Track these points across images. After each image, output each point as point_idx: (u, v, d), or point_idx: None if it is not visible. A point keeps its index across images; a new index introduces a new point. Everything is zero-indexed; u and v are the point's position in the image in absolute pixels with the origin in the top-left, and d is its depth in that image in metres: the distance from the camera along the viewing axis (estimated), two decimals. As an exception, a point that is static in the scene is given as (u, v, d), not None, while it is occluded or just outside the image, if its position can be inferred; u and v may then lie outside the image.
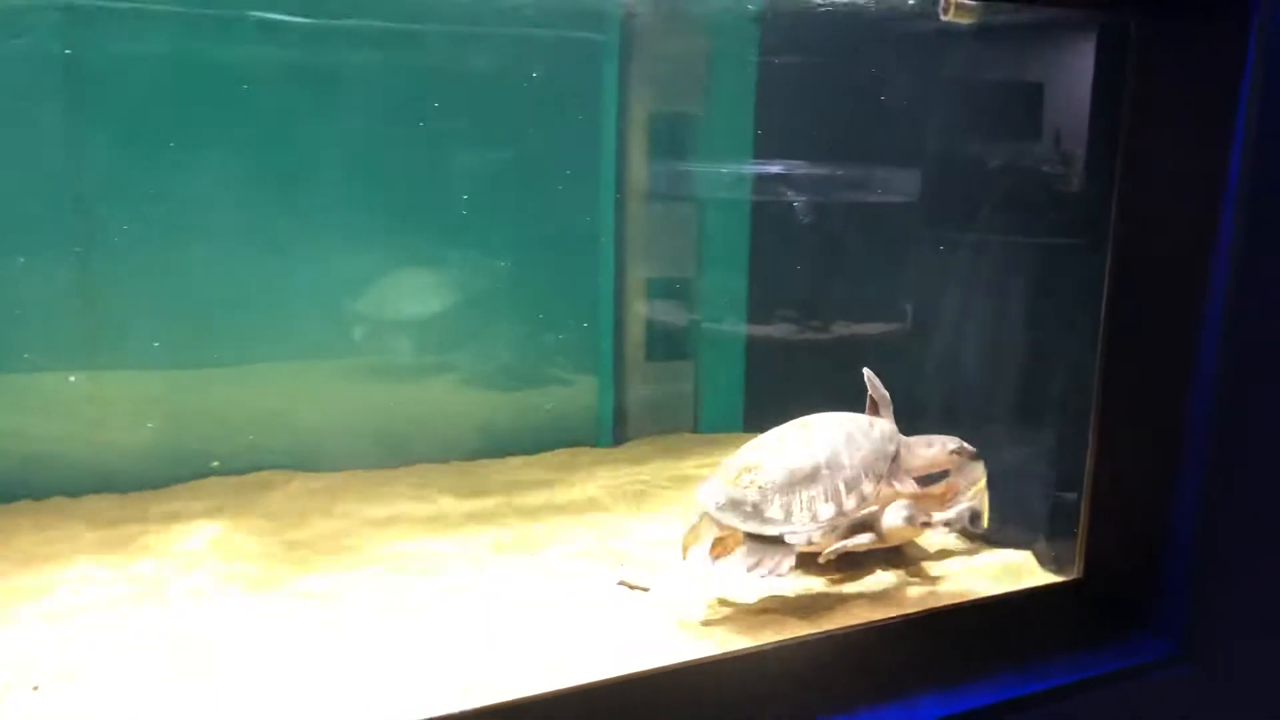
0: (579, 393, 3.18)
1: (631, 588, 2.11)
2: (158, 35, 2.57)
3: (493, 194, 2.96)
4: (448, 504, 2.66)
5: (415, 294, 2.98)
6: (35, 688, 1.67)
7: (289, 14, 2.67)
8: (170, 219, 2.61)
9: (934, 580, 2.17)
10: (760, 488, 1.91)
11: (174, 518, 2.45)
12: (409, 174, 2.85)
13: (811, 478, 1.94)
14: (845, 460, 1.98)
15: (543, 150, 3.00)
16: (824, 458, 1.96)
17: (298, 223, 2.73)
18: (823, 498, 1.93)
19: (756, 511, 1.89)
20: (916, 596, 2.11)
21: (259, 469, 2.75)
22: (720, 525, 1.93)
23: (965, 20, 2.26)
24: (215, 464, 2.69)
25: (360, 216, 2.81)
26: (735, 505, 1.89)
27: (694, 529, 1.98)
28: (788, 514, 1.90)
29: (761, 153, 3.18)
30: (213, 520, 2.43)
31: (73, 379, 2.59)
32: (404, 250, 2.90)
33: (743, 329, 3.30)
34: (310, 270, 2.77)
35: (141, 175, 2.57)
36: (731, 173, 3.25)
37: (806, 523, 1.91)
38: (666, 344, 3.27)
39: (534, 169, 3.00)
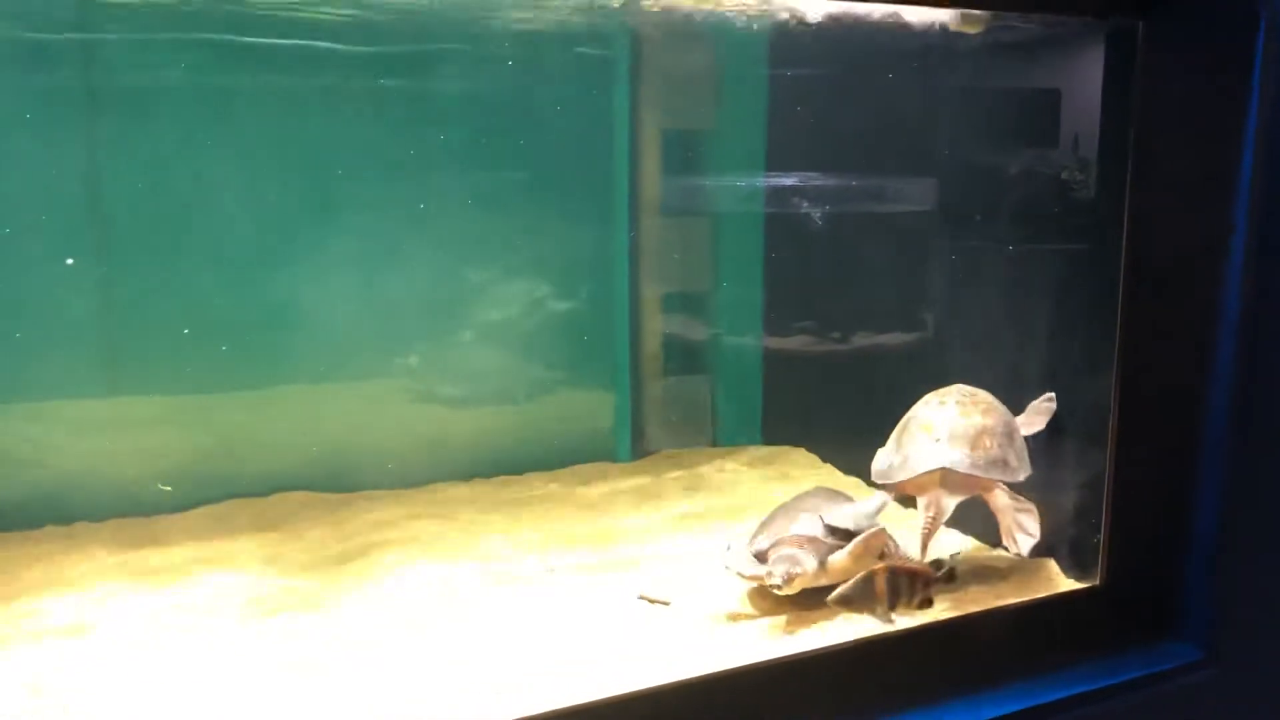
0: (597, 408, 3.19)
1: (652, 601, 2.12)
2: (181, 55, 2.61)
3: (508, 214, 2.98)
4: (468, 521, 2.67)
5: (432, 314, 3.00)
6: (65, 708, 1.69)
7: (308, 39, 2.72)
8: (193, 241, 2.64)
9: (956, 588, 2.16)
10: (1000, 445, 2.13)
11: (196, 539, 2.47)
12: (424, 196, 2.87)
13: (1014, 431, 2.20)
14: (1013, 419, 2.23)
15: (556, 169, 3.02)
16: (1009, 417, 2.21)
17: (318, 245, 2.76)
18: (1025, 449, 2.18)
19: (1007, 464, 2.13)
20: (939, 604, 2.10)
21: (280, 490, 2.76)
22: (956, 487, 2.10)
23: (972, 30, 2.27)
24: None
25: (377, 238, 2.83)
26: (992, 463, 2.10)
27: (933, 505, 2.10)
28: (1020, 462, 2.15)
29: (774, 165, 3.19)
30: (236, 541, 2.45)
31: (94, 403, 2.63)
32: (419, 271, 2.92)
33: (759, 341, 3.30)
34: (330, 292, 2.79)
35: (164, 197, 2.61)
36: (744, 186, 3.27)
37: (1028, 468, 2.16)
38: (683, 358, 3.28)
39: (548, 188, 3.02)
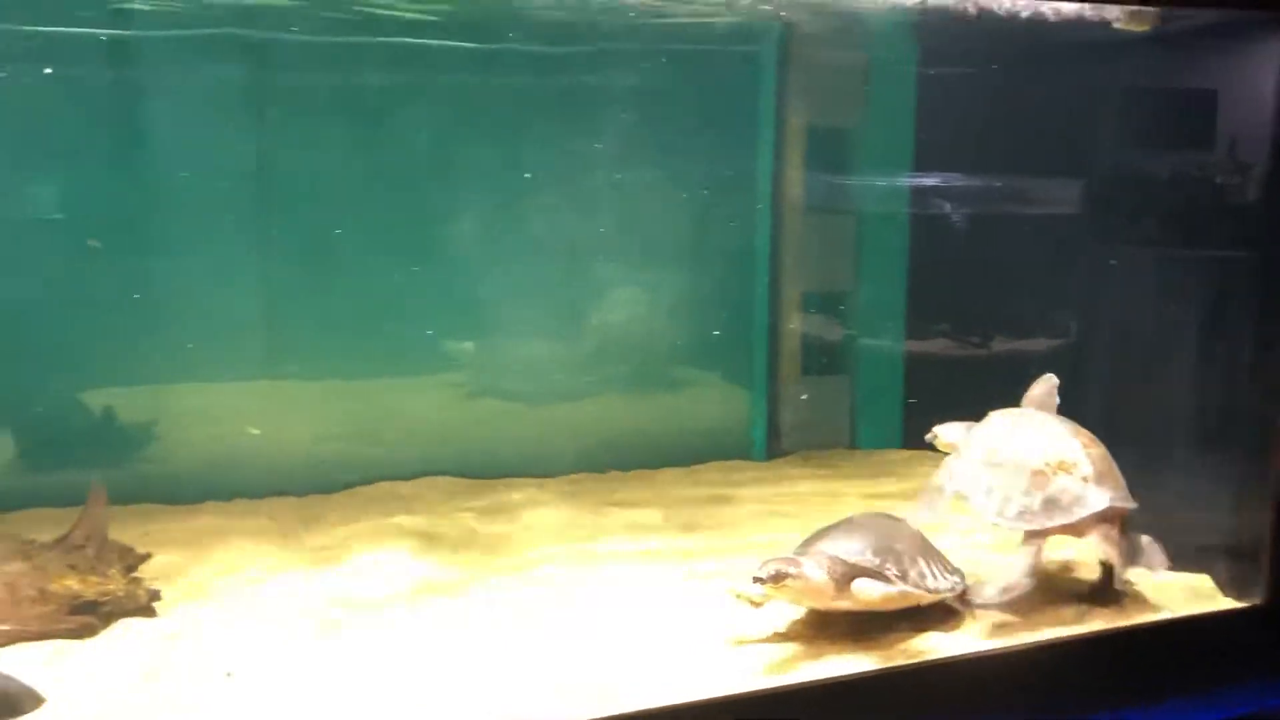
0: (733, 406, 3.20)
1: (745, 600, 2.00)
2: (351, 55, 2.72)
3: (648, 209, 3.00)
4: (601, 512, 2.70)
5: (573, 308, 3.05)
6: (229, 674, 1.77)
7: (464, 40, 2.81)
8: (354, 232, 2.75)
9: (1108, 601, 2.10)
10: (1119, 471, 2.05)
11: (346, 520, 2.56)
12: (568, 192, 2.92)
13: None
14: None
15: (698, 164, 3.03)
16: None
17: (469, 238, 2.84)
18: None
19: (1128, 490, 2.04)
20: (1089, 616, 2.04)
21: (425, 474, 2.85)
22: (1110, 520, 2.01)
23: (1139, 27, 2.21)
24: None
25: (522, 232, 2.89)
26: (1128, 491, 2.03)
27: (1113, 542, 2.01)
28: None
29: (921, 164, 3.14)
30: (382, 523, 2.53)
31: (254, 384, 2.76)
32: (561, 266, 2.98)
33: (901, 344, 3.26)
34: (476, 285, 2.87)
35: (327, 189, 2.73)
36: (890, 185, 3.22)
37: None
38: (822, 358, 3.26)
39: (689, 183, 3.04)
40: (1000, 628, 1.97)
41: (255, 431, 2.74)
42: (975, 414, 2.21)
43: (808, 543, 1.99)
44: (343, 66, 2.71)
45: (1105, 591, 2.07)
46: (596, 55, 2.93)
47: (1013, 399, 2.24)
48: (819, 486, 2.96)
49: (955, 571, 2.03)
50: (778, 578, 1.83)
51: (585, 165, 2.93)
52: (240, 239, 2.71)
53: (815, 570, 1.86)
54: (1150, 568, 2.08)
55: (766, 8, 2.89)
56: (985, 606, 2.00)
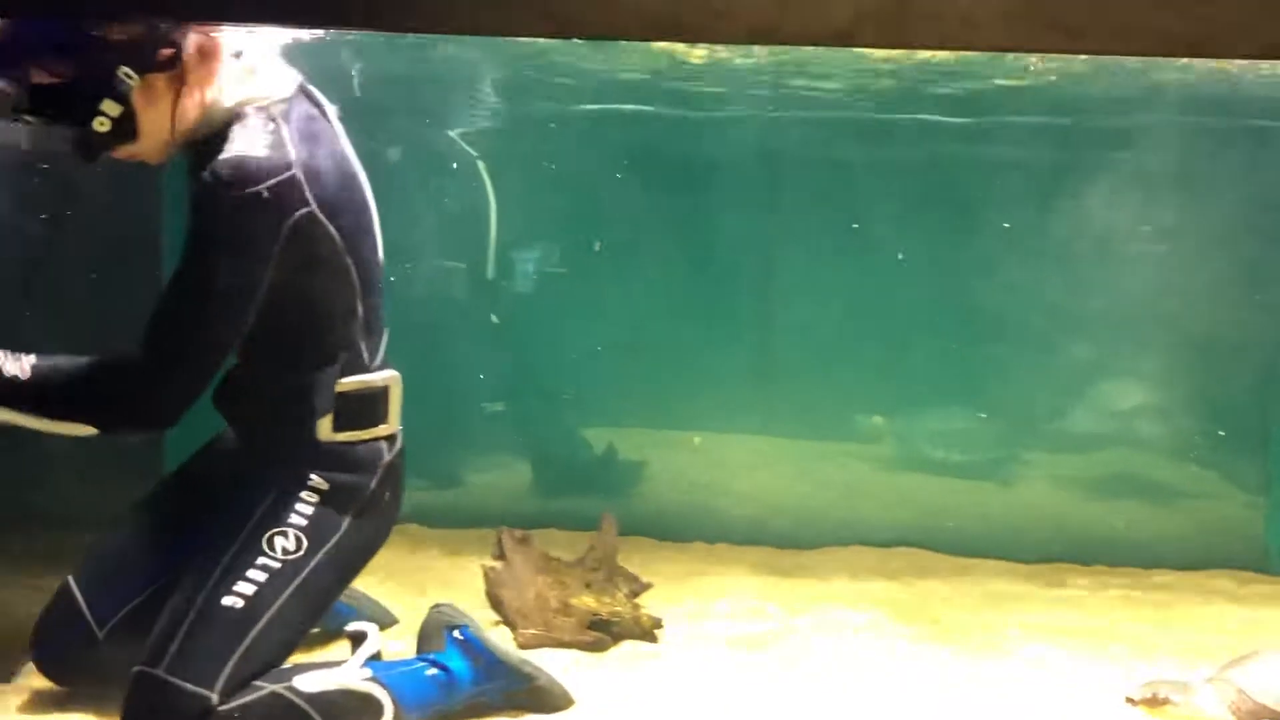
0: (1243, 510, 2.90)
1: (1139, 704, 1.74)
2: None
3: (1148, 289, 2.82)
4: (1082, 609, 2.55)
5: (1062, 391, 2.93)
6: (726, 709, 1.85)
7: (947, 115, 2.83)
8: (848, 305, 2.86)
9: None
10: None
11: (823, 578, 2.62)
12: (1072, 261, 2.83)
13: None
14: None
15: (1214, 242, 2.80)
16: None
17: (967, 316, 2.86)
18: None
19: None
20: None
21: (901, 544, 2.84)
22: None
23: None
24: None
25: (1020, 313, 2.85)
26: None
27: None
28: None
29: None
30: (857, 587, 2.56)
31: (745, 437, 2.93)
32: (1051, 346, 2.88)
33: None
34: (968, 361, 2.88)
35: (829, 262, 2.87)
36: None
37: None
38: (1363, 462, 2.88)
39: (1203, 263, 2.82)
40: None
41: (697, 440, 2.90)
42: None
43: (1231, 664, 1.79)
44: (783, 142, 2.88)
45: None
46: (1109, 131, 2.87)
47: None
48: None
49: None
50: (1154, 702, 1.69)
51: (1090, 237, 2.81)
52: (744, 306, 2.91)
53: (1213, 701, 1.70)
54: None
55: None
56: None
